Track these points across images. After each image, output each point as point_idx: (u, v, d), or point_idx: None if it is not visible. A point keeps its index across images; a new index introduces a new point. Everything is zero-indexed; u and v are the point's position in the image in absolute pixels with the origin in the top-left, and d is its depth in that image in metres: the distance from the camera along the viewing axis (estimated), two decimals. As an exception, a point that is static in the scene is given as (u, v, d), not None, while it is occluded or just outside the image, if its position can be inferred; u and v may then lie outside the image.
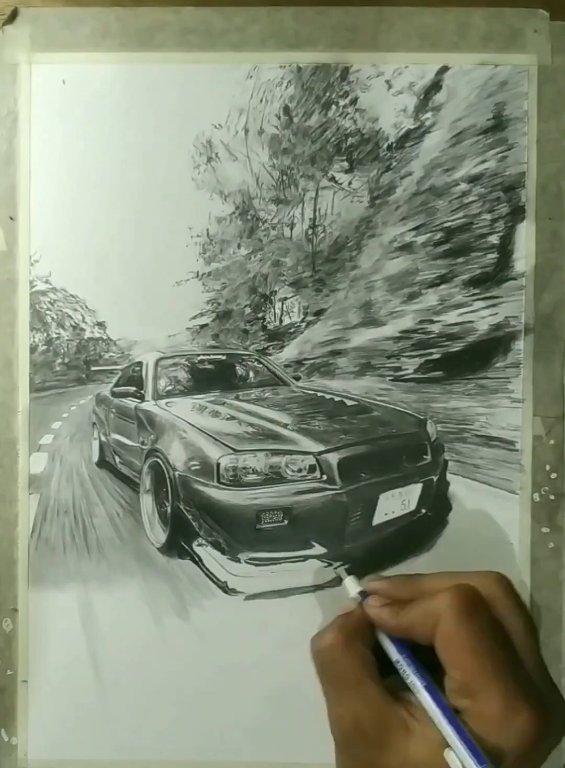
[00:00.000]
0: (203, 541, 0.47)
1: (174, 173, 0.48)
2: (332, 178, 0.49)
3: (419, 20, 0.48)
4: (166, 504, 0.49)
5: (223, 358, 0.53)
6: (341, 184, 0.49)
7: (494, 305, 0.48)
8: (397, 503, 0.49)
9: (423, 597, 0.37)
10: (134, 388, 0.53)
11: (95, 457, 0.51)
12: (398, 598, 0.39)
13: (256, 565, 0.47)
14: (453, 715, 0.33)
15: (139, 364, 0.51)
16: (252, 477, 0.47)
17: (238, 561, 0.47)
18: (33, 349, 0.49)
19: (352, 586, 0.42)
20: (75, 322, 0.50)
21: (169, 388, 0.53)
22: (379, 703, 0.35)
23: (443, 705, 0.34)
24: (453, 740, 0.32)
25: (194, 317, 0.49)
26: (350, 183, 0.49)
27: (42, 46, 0.48)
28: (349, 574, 0.43)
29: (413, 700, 0.35)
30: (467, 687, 0.34)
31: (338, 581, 0.47)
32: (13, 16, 0.48)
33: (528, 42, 0.48)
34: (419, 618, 0.36)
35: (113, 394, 0.52)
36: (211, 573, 0.47)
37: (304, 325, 0.50)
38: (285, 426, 0.49)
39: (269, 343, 0.50)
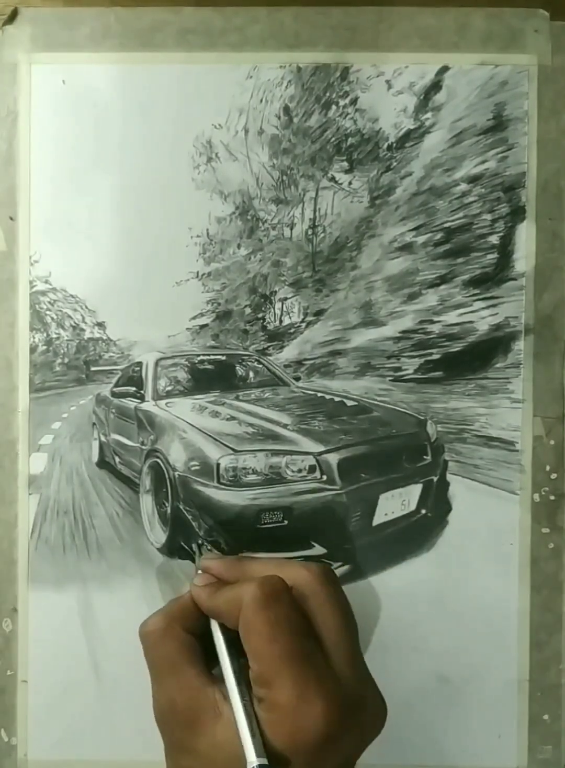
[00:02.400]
0: (203, 541, 0.47)
1: (174, 173, 0.48)
2: (332, 178, 0.49)
3: (419, 20, 0.48)
4: (166, 504, 0.49)
5: (223, 358, 0.53)
6: (341, 184, 0.49)
7: (494, 305, 0.48)
8: (397, 503, 0.49)
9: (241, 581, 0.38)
10: (134, 389, 0.53)
11: (95, 458, 0.51)
12: (225, 579, 0.40)
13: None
14: (245, 704, 0.34)
15: (139, 364, 0.51)
16: (252, 477, 0.47)
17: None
18: (33, 350, 0.49)
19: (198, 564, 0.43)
20: (75, 322, 0.50)
21: (169, 388, 0.53)
22: (193, 687, 0.36)
23: (240, 693, 0.34)
24: (239, 729, 0.33)
25: (194, 317, 0.49)
26: (350, 183, 0.49)
27: (42, 46, 0.48)
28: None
29: None
30: (263, 676, 0.34)
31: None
32: (13, 16, 0.48)
33: (528, 42, 0.48)
34: (226, 603, 0.37)
35: (113, 394, 0.52)
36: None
37: (304, 325, 0.50)
38: (285, 426, 0.49)
39: (269, 344, 0.50)
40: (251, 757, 0.32)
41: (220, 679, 0.37)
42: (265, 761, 0.31)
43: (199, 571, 0.42)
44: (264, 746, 0.32)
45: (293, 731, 0.32)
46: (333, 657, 0.35)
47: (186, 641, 0.38)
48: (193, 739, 0.35)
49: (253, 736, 0.32)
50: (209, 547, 0.47)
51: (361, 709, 0.34)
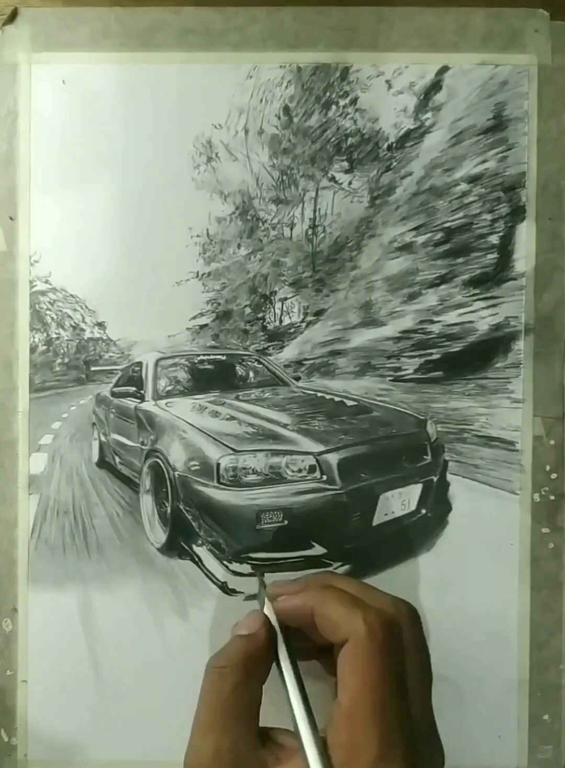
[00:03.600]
0: (203, 542, 0.47)
1: (174, 173, 0.48)
2: (332, 178, 0.49)
3: (419, 20, 0.48)
4: (166, 504, 0.49)
5: (223, 358, 0.53)
6: (341, 184, 0.49)
7: (494, 305, 0.48)
8: (397, 503, 0.49)
9: (336, 596, 0.36)
10: (134, 389, 0.53)
11: (95, 458, 0.51)
12: (306, 589, 0.38)
13: (257, 565, 0.47)
14: (325, 754, 0.32)
15: (139, 364, 0.51)
16: (252, 477, 0.47)
17: (239, 561, 0.47)
18: (33, 350, 0.49)
19: (262, 595, 0.40)
20: (75, 322, 0.50)
21: (169, 388, 0.53)
22: (244, 747, 0.34)
23: (317, 744, 0.32)
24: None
25: (194, 317, 0.49)
26: (350, 183, 0.49)
27: (42, 46, 0.48)
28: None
29: (283, 743, 0.34)
30: (352, 720, 0.32)
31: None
32: (13, 16, 0.48)
33: (528, 42, 0.48)
34: (334, 616, 0.35)
35: (113, 394, 0.52)
36: (211, 573, 0.47)
37: (304, 325, 0.50)
38: (285, 426, 0.49)
39: (269, 344, 0.50)
40: None
41: (272, 738, 0.35)
42: None
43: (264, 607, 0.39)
44: None
45: None
46: (413, 705, 0.33)
47: (257, 695, 0.36)
48: None
49: None
50: (223, 550, 0.46)
51: (428, 756, 0.34)
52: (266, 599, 0.39)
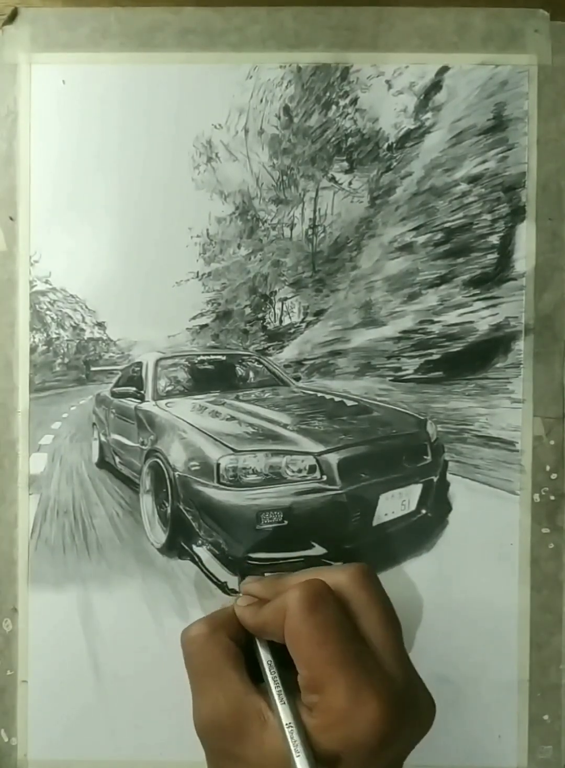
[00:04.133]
0: (203, 542, 0.47)
1: (174, 173, 0.48)
2: (332, 178, 0.49)
3: (419, 20, 0.48)
4: (166, 504, 0.49)
5: (223, 358, 0.53)
6: (341, 184, 0.49)
7: (494, 305, 0.48)
8: (397, 504, 0.49)
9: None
10: (134, 389, 0.53)
11: (95, 458, 0.51)
12: (266, 597, 0.39)
13: (257, 565, 0.47)
14: (294, 717, 0.33)
15: (139, 364, 0.51)
16: (252, 477, 0.47)
17: (239, 561, 0.47)
18: (33, 350, 0.49)
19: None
20: (75, 323, 0.50)
21: (169, 388, 0.53)
22: (237, 694, 0.35)
23: (289, 705, 0.34)
24: (291, 746, 0.32)
25: (194, 317, 0.49)
26: (350, 183, 0.49)
27: (42, 46, 0.48)
28: None
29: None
30: (314, 681, 0.33)
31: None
32: (13, 16, 0.48)
33: (528, 42, 0.48)
34: (270, 616, 0.36)
35: (113, 394, 0.52)
36: (211, 573, 0.47)
37: (304, 325, 0.50)
38: (285, 426, 0.49)
39: (269, 344, 0.50)
40: None
41: (262, 688, 0.36)
42: None
43: (240, 595, 0.42)
44: (317, 751, 0.32)
45: (349, 734, 0.32)
46: (382, 657, 0.34)
47: (230, 648, 0.38)
48: (239, 746, 0.34)
49: (305, 749, 0.32)
50: (223, 549, 0.47)
51: (413, 708, 0.34)
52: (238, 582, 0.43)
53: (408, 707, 0.34)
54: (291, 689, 0.35)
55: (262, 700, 0.35)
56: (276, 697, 0.35)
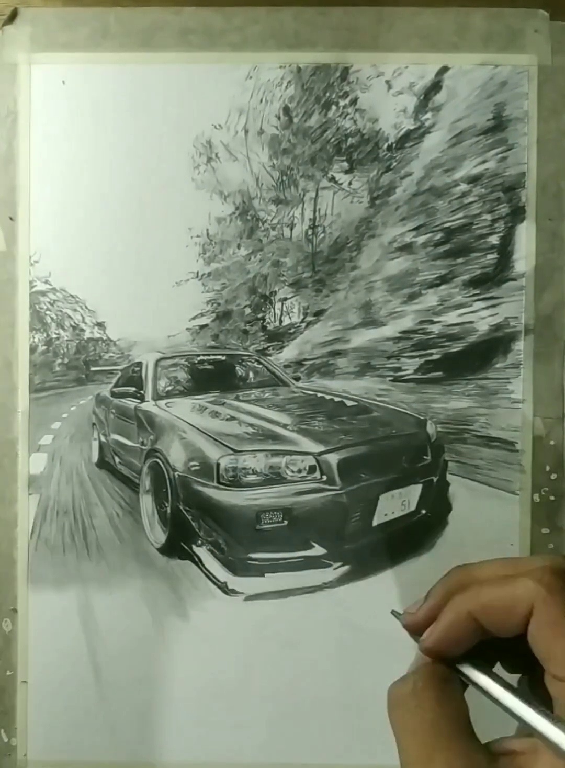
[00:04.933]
0: (203, 542, 0.47)
1: (174, 173, 0.48)
2: (332, 179, 0.49)
3: (419, 20, 0.48)
4: (166, 504, 0.49)
5: (223, 358, 0.53)
6: (341, 184, 0.49)
7: (494, 306, 0.48)
8: (397, 504, 0.49)
9: (485, 582, 0.30)
10: (134, 389, 0.53)
11: (95, 458, 0.51)
12: (444, 600, 0.31)
13: (257, 565, 0.47)
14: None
15: (139, 364, 0.51)
16: (252, 477, 0.47)
17: (239, 561, 0.47)
18: (33, 350, 0.49)
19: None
20: (75, 323, 0.50)
21: (169, 388, 0.53)
22: (478, 762, 0.28)
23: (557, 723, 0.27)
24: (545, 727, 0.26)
25: (194, 317, 0.49)
26: (350, 183, 0.49)
27: (42, 46, 0.48)
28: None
29: (517, 748, 0.28)
30: None
31: (338, 582, 0.47)
32: (13, 16, 0.48)
33: (528, 42, 0.48)
34: (496, 601, 0.29)
35: (113, 394, 0.52)
36: (211, 573, 0.47)
37: (304, 325, 0.50)
38: (285, 426, 0.49)
39: (269, 344, 0.50)
40: None
41: (501, 747, 0.29)
42: None
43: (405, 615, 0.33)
44: None
45: None
46: None
47: (463, 706, 0.30)
48: None
49: None
50: (223, 550, 0.46)
51: None
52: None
53: None
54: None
55: (510, 763, 0.28)
56: (544, 723, 0.27)
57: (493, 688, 0.30)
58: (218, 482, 0.46)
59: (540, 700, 0.28)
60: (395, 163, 0.49)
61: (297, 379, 0.51)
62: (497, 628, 0.30)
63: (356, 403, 0.50)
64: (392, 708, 0.30)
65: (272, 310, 0.50)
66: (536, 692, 0.29)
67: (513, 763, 0.28)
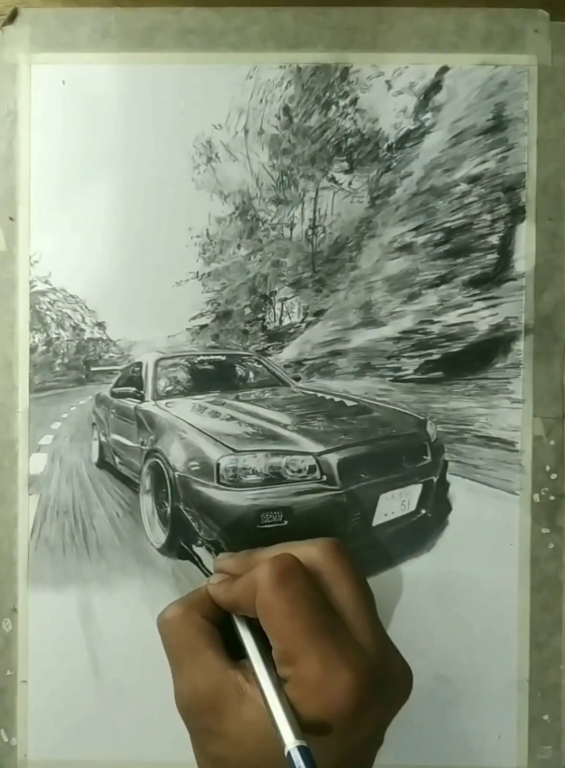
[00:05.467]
0: (203, 542, 0.47)
1: (174, 173, 0.48)
2: (332, 179, 0.49)
3: (419, 20, 0.48)
4: (166, 504, 0.49)
5: (223, 358, 0.53)
6: (341, 184, 0.49)
7: (494, 306, 0.48)
8: (397, 504, 0.49)
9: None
10: (134, 389, 0.53)
11: (95, 458, 0.51)
12: (237, 573, 0.39)
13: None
14: (275, 685, 0.34)
15: (139, 364, 0.51)
16: (252, 477, 0.47)
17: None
18: (33, 350, 0.49)
19: (208, 563, 0.44)
20: (75, 323, 0.50)
21: (169, 388, 0.53)
22: (214, 670, 0.36)
23: (269, 676, 0.34)
24: (273, 712, 0.32)
25: (194, 317, 0.49)
26: (350, 183, 0.49)
27: (42, 46, 0.48)
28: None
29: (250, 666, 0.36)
30: (287, 653, 0.34)
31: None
32: (13, 16, 0.48)
33: (528, 42, 0.48)
34: (243, 589, 0.37)
35: (113, 394, 0.52)
36: (211, 573, 0.47)
37: (304, 325, 0.50)
38: (285, 426, 0.49)
39: (269, 344, 0.50)
40: (289, 739, 0.31)
41: (240, 663, 0.37)
42: (304, 743, 0.31)
43: (213, 573, 0.42)
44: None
45: (323, 705, 0.32)
46: (354, 628, 0.35)
47: (205, 627, 0.38)
48: (219, 723, 0.35)
49: (288, 717, 0.32)
50: (223, 549, 0.47)
51: (387, 676, 0.34)
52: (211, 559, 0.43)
53: (382, 676, 0.34)
54: (271, 664, 0.36)
55: (239, 674, 0.35)
56: (256, 667, 0.35)
57: (242, 639, 0.37)
58: (218, 482, 0.46)
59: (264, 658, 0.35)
60: (395, 163, 0.49)
61: (297, 379, 0.51)
62: (248, 613, 0.37)
63: (356, 403, 0.50)
64: (161, 628, 0.40)
65: (272, 310, 0.50)
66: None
67: (244, 675, 0.35)
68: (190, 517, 0.48)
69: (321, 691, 0.32)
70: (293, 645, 0.33)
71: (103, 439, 0.53)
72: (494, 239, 0.48)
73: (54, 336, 0.50)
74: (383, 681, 0.34)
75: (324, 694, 0.32)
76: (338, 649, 0.33)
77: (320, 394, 0.51)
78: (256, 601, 0.35)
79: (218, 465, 0.46)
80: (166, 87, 0.48)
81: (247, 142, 0.49)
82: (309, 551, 0.37)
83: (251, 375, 0.54)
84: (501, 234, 0.48)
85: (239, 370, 0.54)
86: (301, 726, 0.32)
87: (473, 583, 0.48)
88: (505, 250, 0.48)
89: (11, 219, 0.49)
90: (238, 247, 0.49)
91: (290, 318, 0.50)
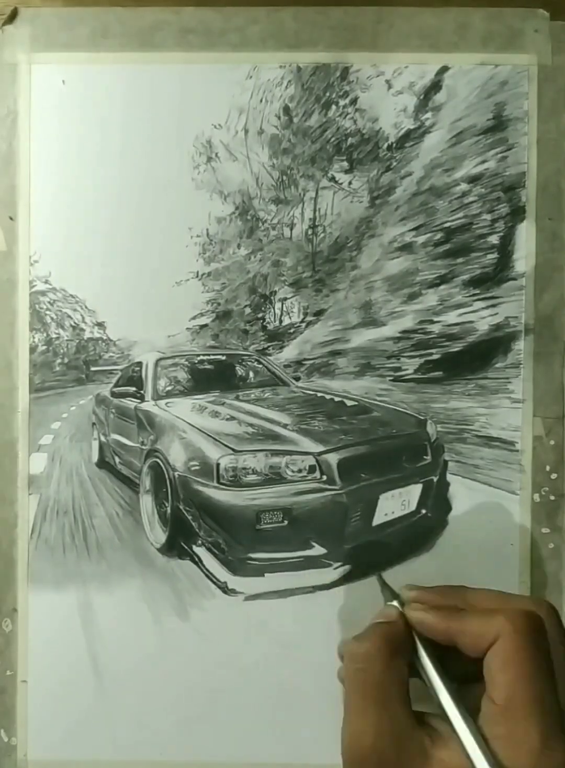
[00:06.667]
0: (203, 542, 0.47)
1: (174, 173, 0.48)
2: (332, 178, 0.49)
3: (419, 20, 0.48)
4: (166, 504, 0.49)
5: (223, 358, 0.53)
6: (341, 184, 0.49)
7: (494, 305, 0.48)
8: (397, 504, 0.49)
9: (472, 609, 0.36)
10: (134, 389, 0.53)
11: (95, 458, 0.51)
12: (441, 605, 0.38)
13: (256, 565, 0.47)
14: (477, 738, 0.33)
15: (139, 364, 0.51)
16: (252, 477, 0.47)
17: (239, 561, 0.47)
18: (33, 350, 0.49)
19: (387, 593, 0.41)
20: (75, 323, 0.50)
21: (169, 388, 0.53)
22: (404, 725, 0.34)
23: (475, 732, 0.33)
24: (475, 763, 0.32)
25: (194, 317, 0.49)
26: (350, 183, 0.49)
27: (42, 46, 0.48)
28: (382, 580, 0.42)
29: (437, 727, 0.35)
30: (509, 713, 0.33)
31: (338, 582, 0.47)
32: (13, 16, 0.48)
33: (528, 42, 0.48)
34: (475, 627, 0.35)
35: (113, 394, 0.52)
36: (211, 573, 0.47)
37: (304, 325, 0.50)
38: (285, 426, 0.49)
39: (269, 344, 0.50)
40: None
41: (425, 722, 0.35)
42: None
43: (393, 602, 0.40)
44: None
45: None
46: (562, 696, 0.34)
47: (404, 675, 0.36)
48: None
49: None
50: (223, 549, 0.46)
51: None
52: (398, 600, 0.40)
53: None
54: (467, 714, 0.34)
55: (426, 735, 0.34)
56: (464, 725, 0.33)
57: (434, 679, 0.36)
58: (218, 482, 0.46)
59: (465, 708, 0.34)
60: (395, 163, 0.49)
61: (297, 379, 0.51)
62: (466, 647, 0.35)
63: (356, 403, 0.50)
64: (347, 660, 0.37)
65: (272, 310, 0.50)
66: (463, 701, 0.35)
67: (429, 734, 0.34)
68: (190, 517, 0.48)
69: (537, 762, 0.31)
70: (520, 706, 0.32)
71: (103, 439, 0.53)
72: (494, 239, 0.48)
73: (54, 336, 0.50)
74: None
75: (537, 765, 0.31)
76: (558, 724, 0.32)
77: (320, 394, 0.51)
78: (495, 647, 0.34)
79: (218, 465, 0.46)
80: (166, 87, 0.48)
81: (247, 142, 0.49)
82: (535, 606, 0.36)
83: (251, 375, 0.54)
84: (501, 234, 0.48)
85: (239, 370, 0.54)
86: None
87: (473, 583, 0.48)
88: (505, 249, 0.48)
89: (11, 219, 0.49)
90: (238, 246, 0.49)
91: (290, 318, 0.50)
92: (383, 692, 0.35)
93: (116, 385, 0.52)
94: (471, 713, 0.34)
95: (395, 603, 0.40)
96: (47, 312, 0.49)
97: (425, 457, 0.50)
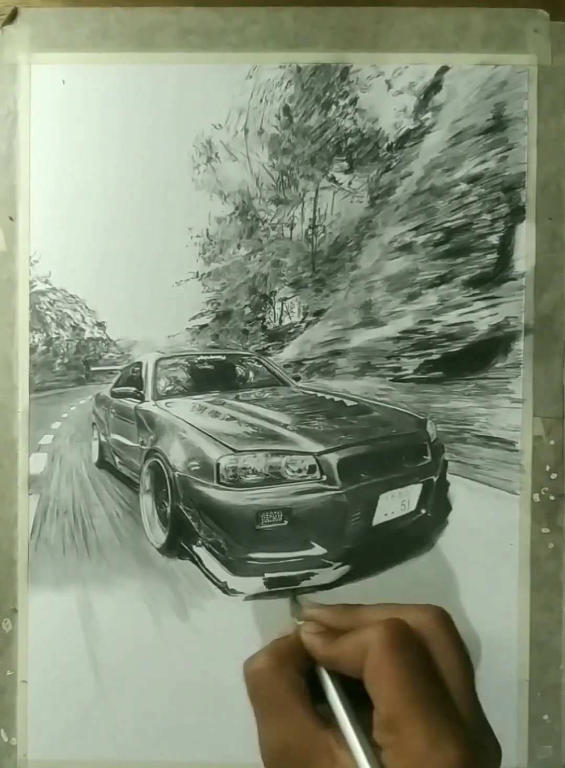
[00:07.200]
0: (203, 542, 0.47)
1: (174, 173, 0.48)
2: (332, 178, 0.49)
3: (419, 20, 0.48)
4: (166, 504, 0.49)
5: (223, 358, 0.53)
6: (340, 184, 0.49)
7: (494, 305, 0.48)
8: (397, 503, 0.49)
9: (357, 628, 0.37)
10: (134, 389, 0.53)
11: (95, 458, 0.51)
12: (334, 627, 0.38)
13: (256, 565, 0.47)
14: (366, 751, 0.33)
15: (139, 364, 0.51)
16: (252, 477, 0.47)
17: (239, 561, 0.47)
18: (33, 350, 0.49)
19: (295, 609, 0.42)
20: (75, 323, 0.50)
21: (169, 388, 0.53)
22: (306, 729, 0.35)
23: (363, 741, 0.33)
24: None
25: (194, 317, 0.49)
26: (349, 183, 0.49)
27: (42, 46, 0.48)
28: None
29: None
30: (392, 721, 0.33)
31: (338, 582, 0.47)
32: (13, 16, 0.48)
33: (528, 42, 0.48)
34: (349, 649, 0.36)
35: (113, 394, 0.52)
36: (211, 573, 0.47)
37: (304, 325, 0.50)
38: (285, 426, 0.49)
39: (269, 344, 0.50)
40: None
41: (330, 724, 0.36)
42: None
43: (300, 622, 0.40)
44: None
45: None
46: (458, 702, 0.34)
47: (297, 682, 0.37)
48: None
49: None
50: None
51: (483, 753, 0.34)
52: (296, 618, 0.41)
53: (480, 755, 0.33)
54: (361, 725, 0.35)
55: (331, 736, 0.35)
56: (353, 734, 0.34)
57: (329, 693, 0.36)
58: (218, 482, 0.46)
59: (359, 722, 0.35)
60: (395, 163, 0.49)
61: (297, 379, 0.51)
62: (346, 670, 0.36)
63: (356, 403, 0.50)
64: (250, 677, 0.38)
65: (272, 310, 0.50)
66: (362, 717, 0.35)
67: (335, 737, 0.34)
68: (190, 517, 0.48)
69: (424, 764, 0.32)
70: (400, 712, 0.33)
71: (103, 439, 0.53)
72: (494, 239, 0.48)
73: (54, 336, 0.50)
74: (480, 759, 0.33)
75: (428, 756, 0.32)
76: (446, 723, 0.32)
77: (319, 394, 0.51)
78: (366, 662, 0.34)
79: (218, 465, 0.46)
80: (166, 87, 0.48)
81: (247, 142, 0.49)
82: (418, 617, 0.36)
83: (251, 375, 0.54)
84: (501, 234, 0.48)
85: (239, 370, 0.54)
86: None
87: (473, 583, 0.48)
88: (505, 250, 0.48)
89: (11, 219, 0.49)
90: (238, 246, 0.49)
91: (289, 318, 0.50)
92: (278, 701, 0.37)
93: (116, 385, 0.52)
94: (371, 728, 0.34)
95: (295, 620, 0.40)
96: (47, 312, 0.49)
97: (424, 457, 0.50)
